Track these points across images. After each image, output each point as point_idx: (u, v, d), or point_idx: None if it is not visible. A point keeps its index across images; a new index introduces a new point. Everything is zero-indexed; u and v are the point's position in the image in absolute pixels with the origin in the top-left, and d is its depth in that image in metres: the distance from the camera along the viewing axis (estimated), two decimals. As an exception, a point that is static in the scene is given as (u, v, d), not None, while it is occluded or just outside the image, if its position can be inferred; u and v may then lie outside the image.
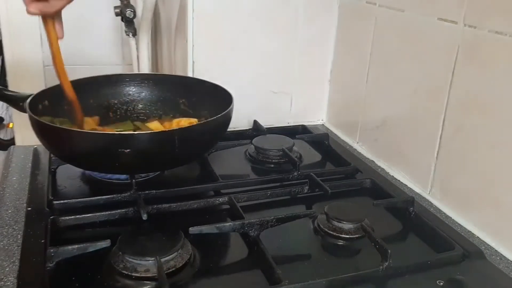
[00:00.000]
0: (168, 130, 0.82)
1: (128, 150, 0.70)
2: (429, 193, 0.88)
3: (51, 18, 0.73)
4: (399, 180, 0.94)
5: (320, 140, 1.07)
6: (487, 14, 0.74)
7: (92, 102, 0.95)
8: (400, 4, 0.92)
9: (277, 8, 1.09)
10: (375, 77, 1.02)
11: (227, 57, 1.10)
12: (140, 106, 0.99)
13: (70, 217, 0.73)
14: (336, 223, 0.74)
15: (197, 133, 0.77)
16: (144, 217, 0.72)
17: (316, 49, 1.16)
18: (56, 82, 0.90)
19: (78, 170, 0.88)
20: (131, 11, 1.30)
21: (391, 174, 0.96)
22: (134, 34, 1.36)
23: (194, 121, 0.91)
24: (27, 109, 0.76)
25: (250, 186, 0.86)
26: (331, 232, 0.74)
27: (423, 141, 0.88)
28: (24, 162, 0.92)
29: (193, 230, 0.67)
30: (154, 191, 0.80)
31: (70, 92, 0.82)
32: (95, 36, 1.63)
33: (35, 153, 0.96)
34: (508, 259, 0.72)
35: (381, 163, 1.01)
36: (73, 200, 0.78)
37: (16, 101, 0.86)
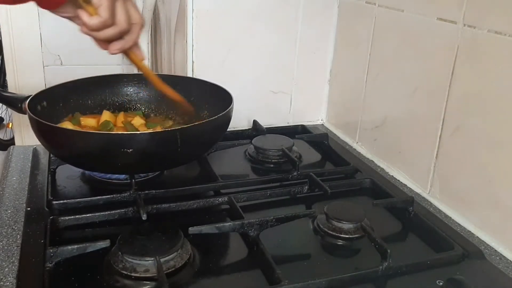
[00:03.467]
0: (170, 129, 0.82)
1: (130, 149, 0.70)
2: (428, 193, 0.88)
3: (129, 49, 0.75)
4: (398, 180, 0.94)
5: (319, 140, 1.07)
6: (486, 14, 0.74)
7: (91, 103, 0.95)
8: (399, 4, 0.92)
9: (276, 8, 1.09)
10: (375, 77, 1.02)
11: (227, 57, 1.10)
12: (138, 106, 0.99)
13: (69, 217, 0.73)
14: (335, 223, 0.74)
15: (198, 133, 0.77)
16: (144, 217, 0.72)
17: (316, 49, 1.16)
18: (55, 82, 0.90)
19: (77, 170, 0.88)
20: (131, 11, 1.30)
21: (391, 174, 0.96)
22: (134, 34, 1.35)
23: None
24: (27, 110, 0.76)
25: (249, 186, 0.87)
26: (331, 232, 0.74)
27: (423, 141, 0.88)
28: (23, 162, 0.92)
29: (192, 230, 0.67)
30: (154, 191, 0.80)
31: (175, 96, 0.85)
32: (95, 36, 1.63)
33: (35, 153, 0.96)
34: (508, 259, 0.72)
35: (380, 163, 1.01)
36: (73, 200, 0.78)
37: (14, 102, 0.86)
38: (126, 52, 0.75)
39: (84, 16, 0.65)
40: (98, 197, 0.78)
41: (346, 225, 0.74)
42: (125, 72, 1.65)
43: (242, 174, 0.95)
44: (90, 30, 0.68)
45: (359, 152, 1.07)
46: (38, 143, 0.80)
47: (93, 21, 0.66)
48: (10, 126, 2.55)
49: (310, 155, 1.03)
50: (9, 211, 0.76)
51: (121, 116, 0.91)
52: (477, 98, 0.76)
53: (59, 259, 0.62)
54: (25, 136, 1.74)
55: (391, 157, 0.98)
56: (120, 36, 0.71)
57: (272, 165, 0.97)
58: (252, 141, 1.01)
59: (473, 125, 0.78)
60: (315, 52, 1.16)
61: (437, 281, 0.64)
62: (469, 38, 0.77)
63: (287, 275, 0.62)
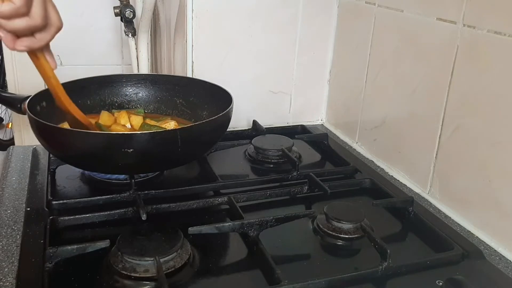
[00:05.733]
0: (170, 129, 0.82)
1: (131, 150, 0.70)
2: (428, 193, 0.88)
3: (41, 52, 0.69)
4: (398, 180, 0.94)
5: (319, 140, 1.07)
6: (486, 14, 0.74)
7: (90, 103, 0.95)
8: (399, 4, 0.92)
9: (276, 8, 1.09)
10: (374, 77, 1.02)
11: (226, 57, 1.10)
12: (138, 106, 0.99)
13: (69, 217, 0.73)
14: (335, 223, 0.74)
15: (198, 132, 0.77)
16: (144, 217, 0.72)
17: (316, 49, 1.16)
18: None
19: (77, 170, 0.88)
20: (131, 11, 1.30)
21: (390, 174, 0.97)
22: (134, 34, 1.36)
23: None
24: (27, 110, 0.76)
25: (249, 186, 0.87)
26: (331, 232, 0.74)
27: (422, 141, 0.88)
28: (23, 162, 0.92)
29: (192, 230, 0.67)
30: (154, 191, 0.80)
31: (82, 118, 0.80)
32: (95, 36, 1.63)
33: (34, 153, 0.96)
34: (507, 259, 0.72)
35: (380, 163, 1.01)
36: (72, 200, 0.79)
37: (13, 102, 0.86)
38: (36, 55, 0.68)
39: None
40: (98, 197, 0.78)
41: (345, 225, 0.74)
42: (125, 72, 1.65)
43: (242, 174, 0.95)
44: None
45: (359, 152, 1.07)
46: (38, 143, 0.80)
47: (3, 7, 0.59)
48: (10, 126, 2.55)
49: (310, 155, 1.03)
50: (9, 211, 0.76)
51: (122, 114, 0.91)
52: (477, 98, 0.76)
53: (59, 259, 0.62)
54: (25, 136, 1.73)
55: (391, 157, 0.98)
56: (31, 33, 0.64)
57: (271, 165, 0.97)
58: (252, 141, 1.01)
59: (472, 125, 0.78)
60: (315, 52, 1.16)
61: (436, 281, 0.64)
62: (468, 38, 0.77)
63: (286, 275, 0.62)
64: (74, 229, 0.73)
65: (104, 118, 0.90)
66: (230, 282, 0.65)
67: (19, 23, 0.61)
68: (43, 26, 0.64)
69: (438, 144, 0.85)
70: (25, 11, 0.61)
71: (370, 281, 0.64)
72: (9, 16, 0.60)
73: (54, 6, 0.66)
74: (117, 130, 0.88)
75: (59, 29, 0.66)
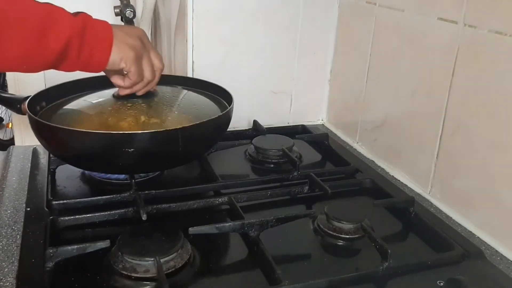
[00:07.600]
0: (171, 129, 0.82)
1: (132, 149, 0.70)
2: (429, 193, 0.88)
3: None
4: (399, 180, 0.94)
5: (320, 140, 1.07)
6: (487, 14, 0.74)
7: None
8: (400, 4, 0.92)
9: (277, 8, 1.09)
10: (375, 77, 1.02)
11: (227, 57, 1.10)
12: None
13: (69, 217, 0.73)
14: (336, 223, 0.74)
15: (199, 132, 0.77)
16: (144, 217, 0.72)
17: (316, 49, 1.16)
18: (55, 82, 0.90)
19: (77, 170, 0.88)
20: (131, 11, 1.29)
21: (391, 174, 0.96)
22: (134, 34, 1.35)
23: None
24: (27, 110, 0.76)
25: (250, 186, 0.86)
26: (331, 232, 0.74)
27: (423, 141, 0.88)
28: (23, 162, 0.92)
29: (192, 230, 0.67)
30: (154, 191, 0.80)
31: None
32: (95, 36, 1.63)
33: (35, 153, 0.96)
34: (508, 259, 0.71)
35: (381, 163, 1.01)
36: (73, 200, 0.78)
37: (13, 103, 0.86)
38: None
39: (118, 81, 0.78)
40: (98, 197, 0.78)
41: (346, 225, 0.73)
42: (125, 72, 1.64)
43: (242, 174, 0.95)
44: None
45: (359, 152, 1.07)
46: (38, 143, 0.80)
47: (126, 83, 0.78)
48: (10, 126, 2.55)
49: (311, 155, 1.03)
50: (9, 211, 0.76)
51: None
52: (478, 98, 0.76)
53: (59, 259, 0.62)
54: (25, 136, 1.73)
55: (392, 157, 0.98)
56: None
57: (272, 165, 0.97)
58: (252, 141, 1.00)
59: (473, 125, 0.77)
60: (315, 52, 1.16)
61: (437, 282, 0.64)
62: (469, 38, 0.77)
63: (287, 275, 0.62)
64: (74, 229, 0.73)
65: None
66: (231, 282, 0.65)
67: (138, 87, 0.80)
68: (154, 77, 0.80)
69: (439, 144, 0.85)
70: (140, 79, 0.77)
71: (370, 281, 0.64)
72: (131, 87, 0.79)
73: (155, 53, 0.80)
74: (123, 126, 0.88)
75: (162, 70, 0.83)
